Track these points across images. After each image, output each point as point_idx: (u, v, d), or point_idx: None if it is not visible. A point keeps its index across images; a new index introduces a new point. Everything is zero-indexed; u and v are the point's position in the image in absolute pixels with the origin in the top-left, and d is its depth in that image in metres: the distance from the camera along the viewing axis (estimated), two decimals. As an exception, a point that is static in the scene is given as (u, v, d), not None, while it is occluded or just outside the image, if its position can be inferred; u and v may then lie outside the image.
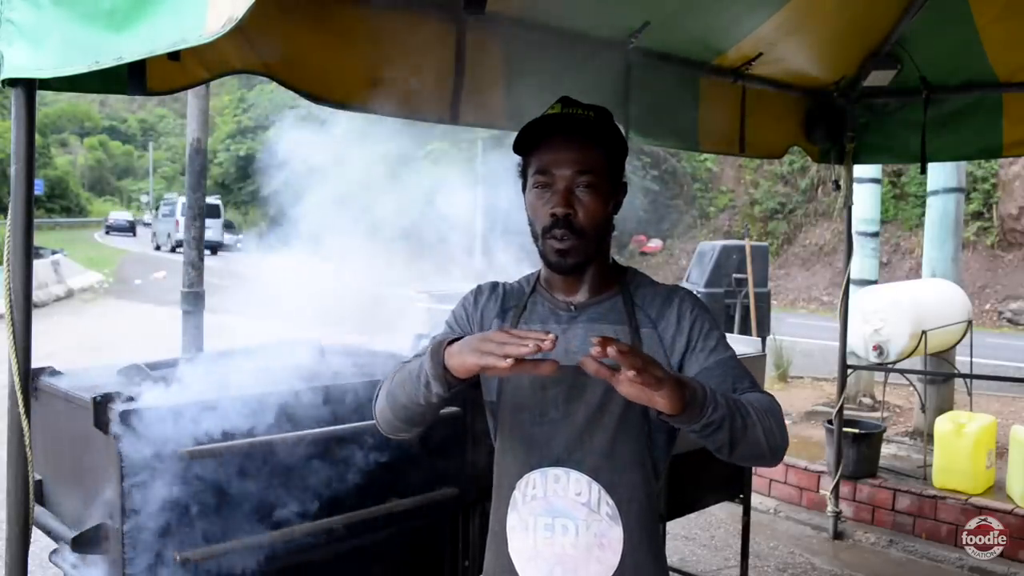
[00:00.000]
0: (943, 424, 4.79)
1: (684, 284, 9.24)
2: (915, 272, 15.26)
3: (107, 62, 1.32)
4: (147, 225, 43.59)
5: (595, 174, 1.45)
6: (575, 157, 1.44)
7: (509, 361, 1.17)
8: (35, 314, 1.61)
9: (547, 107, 1.49)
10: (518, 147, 1.51)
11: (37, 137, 1.61)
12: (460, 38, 2.63)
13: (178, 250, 27.70)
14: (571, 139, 1.45)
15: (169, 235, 29.75)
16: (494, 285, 1.63)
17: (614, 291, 1.53)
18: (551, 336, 1.16)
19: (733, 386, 1.41)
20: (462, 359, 1.25)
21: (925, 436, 5.18)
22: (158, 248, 31.50)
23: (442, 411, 1.58)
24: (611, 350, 1.10)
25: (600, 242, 1.49)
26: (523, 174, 1.52)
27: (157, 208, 36.54)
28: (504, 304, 1.58)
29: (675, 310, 1.49)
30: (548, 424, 1.48)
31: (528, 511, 1.49)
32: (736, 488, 3.54)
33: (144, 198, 59.15)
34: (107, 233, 43.36)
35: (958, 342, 5.82)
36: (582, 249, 1.45)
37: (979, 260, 16.19)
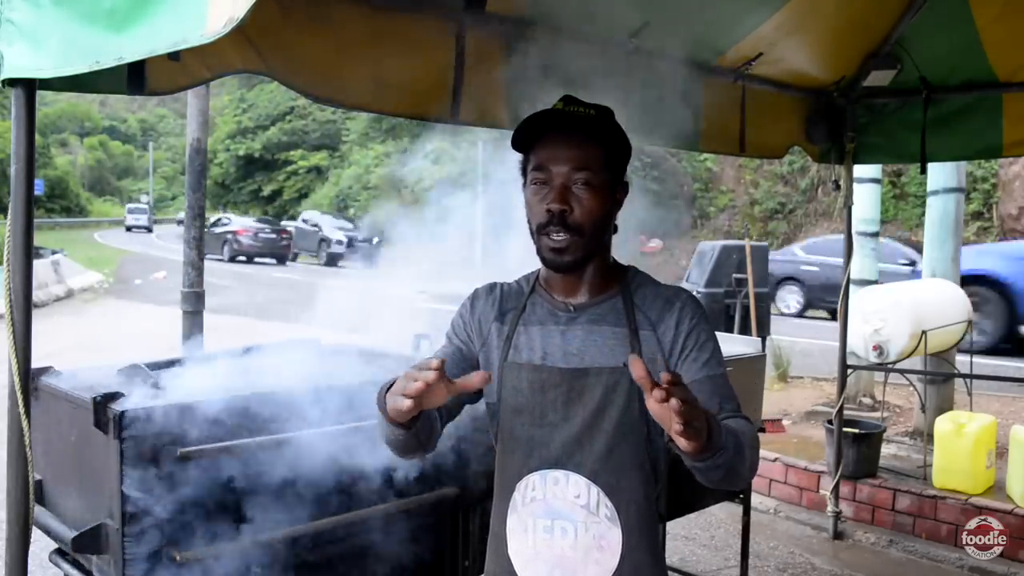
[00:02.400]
0: (943, 424, 4.78)
1: (684, 284, 9.26)
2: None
3: (107, 62, 1.32)
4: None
5: (593, 171, 1.44)
6: (572, 154, 1.43)
7: (408, 403, 1.20)
8: (35, 314, 1.61)
9: (549, 106, 1.49)
10: (517, 143, 1.50)
11: (37, 137, 1.61)
12: (460, 38, 2.63)
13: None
14: (568, 136, 1.44)
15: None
16: (491, 287, 1.62)
17: (614, 291, 1.52)
18: (434, 364, 1.20)
19: (719, 406, 1.41)
20: (388, 407, 1.27)
21: (925, 436, 5.18)
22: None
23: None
24: (675, 395, 1.09)
25: (598, 241, 1.48)
26: (523, 171, 1.51)
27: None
28: (502, 306, 1.57)
29: (675, 315, 1.47)
30: (548, 427, 1.47)
31: (527, 513, 1.50)
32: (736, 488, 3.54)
33: (144, 198, 59.11)
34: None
35: (958, 342, 5.81)
36: (579, 246, 1.44)
37: (979, 260, 16.17)
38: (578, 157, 1.43)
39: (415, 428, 1.33)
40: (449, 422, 1.54)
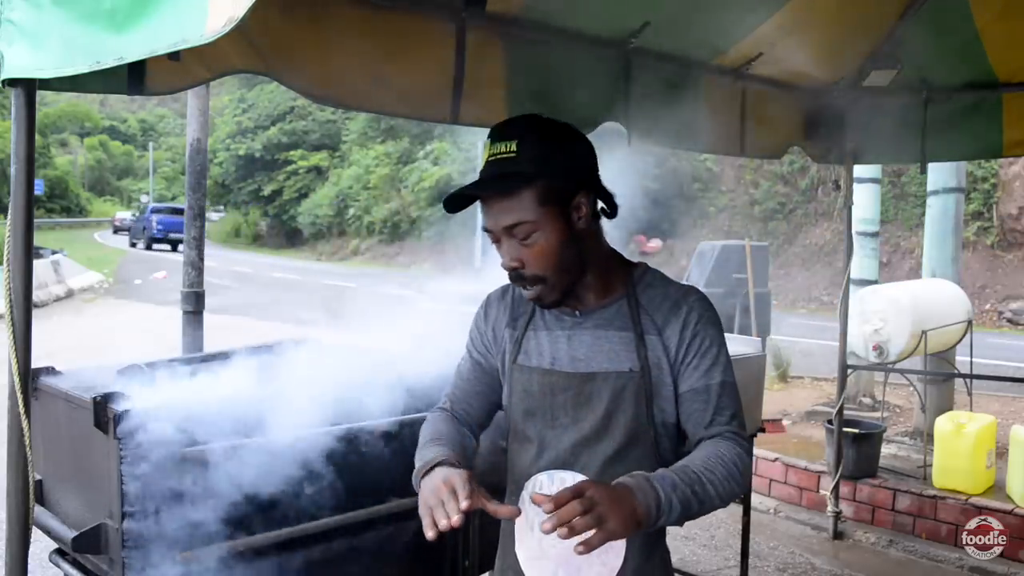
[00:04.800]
0: (943, 424, 4.78)
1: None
2: (915, 272, 15.25)
3: (108, 62, 1.31)
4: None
5: (527, 219, 1.38)
6: (499, 212, 1.39)
7: (432, 533, 1.24)
8: (35, 314, 1.61)
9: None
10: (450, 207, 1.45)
11: (37, 137, 1.61)
12: (460, 38, 2.63)
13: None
14: (489, 195, 1.40)
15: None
16: (503, 292, 1.62)
17: (619, 294, 1.50)
18: (465, 504, 1.23)
19: (711, 418, 1.42)
20: (420, 513, 1.30)
21: (925, 436, 5.18)
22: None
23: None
24: (553, 515, 1.15)
25: (571, 271, 1.44)
26: None
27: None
28: (514, 312, 1.58)
29: (681, 319, 1.45)
30: (558, 428, 1.48)
31: (535, 512, 1.50)
32: (736, 488, 3.53)
33: (144, 198, 59.11)
34: (115, 232, 42.01)
35: (958, 342, 5.81)
36: (549, 291, 1.43)
37: (979, 260, 16.17)
38: (505, 213, 1.38)
39: None
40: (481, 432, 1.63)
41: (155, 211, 33.73)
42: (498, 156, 1.38)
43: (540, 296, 1.44)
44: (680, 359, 1.44)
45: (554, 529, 1.13)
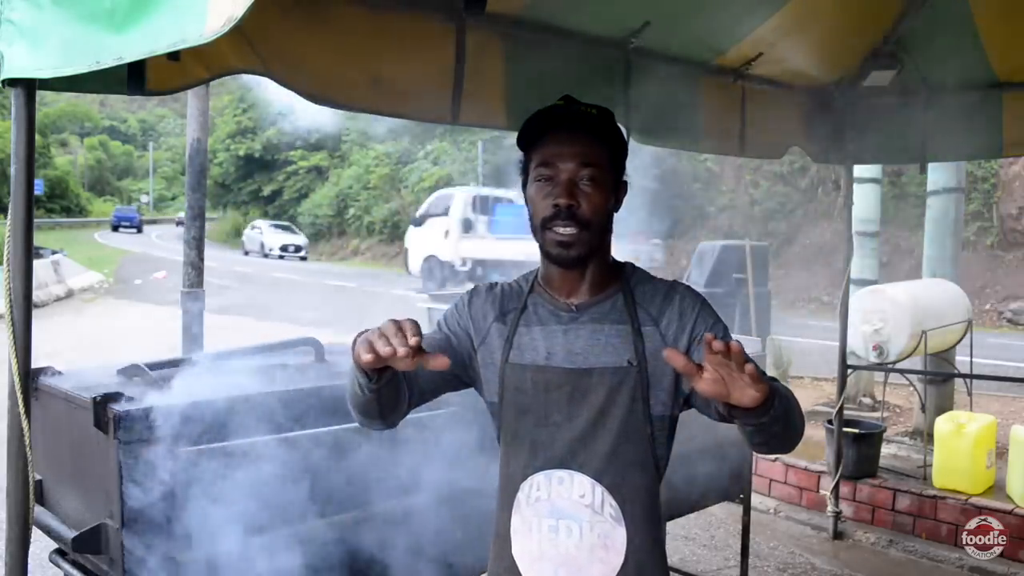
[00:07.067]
0: (943, 424, 4.78)
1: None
2: (915, 272, 15.24)
3: (107, 62, 1.32)
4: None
5: (598, 168, 1.46)
6: (579, 150, 1.45)
7: (370, 356, 1.19)
8: (35, 314, 1.61)
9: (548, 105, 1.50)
10: (522, 140, 1.51)
11: (37, 137, 1.61)
12: (460, 38, 2.63)
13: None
14: (575, 133, 1.46)
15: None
16: (491, 286, 1.62)
17: (614, 289, 1.52)
18: (414, 340, 1.19)
19: None
20: (355, 351, 1.27)
21: (925, 436, 5.18)
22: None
23: (441, 410, 1.57)
24: (730, 346, 1.17)
25: (602, 237, 1.50)
26: (524, 168, 1.52)
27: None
28: (503, 307, 1.57)
29: (676, 306, 1.49)
30: (552, 427, 1.47)
31: (532, 513, 1.50)
32: (736, 488, 3.54)
33: (144, 198, 59.21)
34: (114, 230, 45.54)
35: (958, 342, 5.81)
36: (585, 241, 1.45)
37: (979, 260, 16.16)
38: (584, 153, 1.45)
39: (380, 387, 1.32)
40: (420, 404, 1.53)
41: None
42: (584, 110, 1.47)
43: (573, 241, 1.44)
44: (686, 342, 1.47)
45: (731, 354, 1.17)
